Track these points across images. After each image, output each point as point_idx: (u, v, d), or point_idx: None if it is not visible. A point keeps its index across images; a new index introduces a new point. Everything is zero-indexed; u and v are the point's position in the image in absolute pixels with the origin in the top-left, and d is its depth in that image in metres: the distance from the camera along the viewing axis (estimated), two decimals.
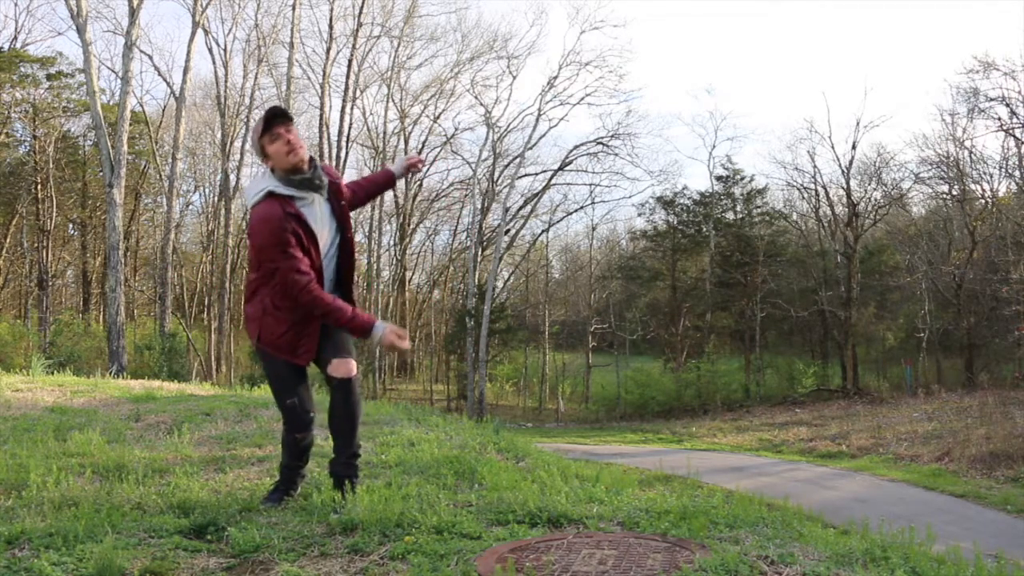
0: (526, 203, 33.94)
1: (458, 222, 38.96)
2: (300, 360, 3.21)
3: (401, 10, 30.91)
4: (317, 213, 3.15)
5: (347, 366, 3.19)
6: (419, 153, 34.59)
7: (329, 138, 28.86)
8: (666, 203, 32.89)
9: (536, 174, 34.05)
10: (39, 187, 28.80)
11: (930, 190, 31.14)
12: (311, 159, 3.16)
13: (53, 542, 2.67)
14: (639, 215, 41.92)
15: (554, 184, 33.77)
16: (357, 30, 28.79)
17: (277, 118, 3.11)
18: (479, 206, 32.45)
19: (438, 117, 34.35)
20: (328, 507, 3.13)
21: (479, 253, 32.65)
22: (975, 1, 53.12)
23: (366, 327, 3.09)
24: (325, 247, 3.19)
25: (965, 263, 26.60)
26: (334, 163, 28.93)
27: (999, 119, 25.52)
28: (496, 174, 32.67)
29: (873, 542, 2.78)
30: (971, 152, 28.14)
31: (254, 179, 3.25)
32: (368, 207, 34.75)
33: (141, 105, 30.55)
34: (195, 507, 3.19)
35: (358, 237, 38.88)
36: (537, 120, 31.32)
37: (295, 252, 3.04)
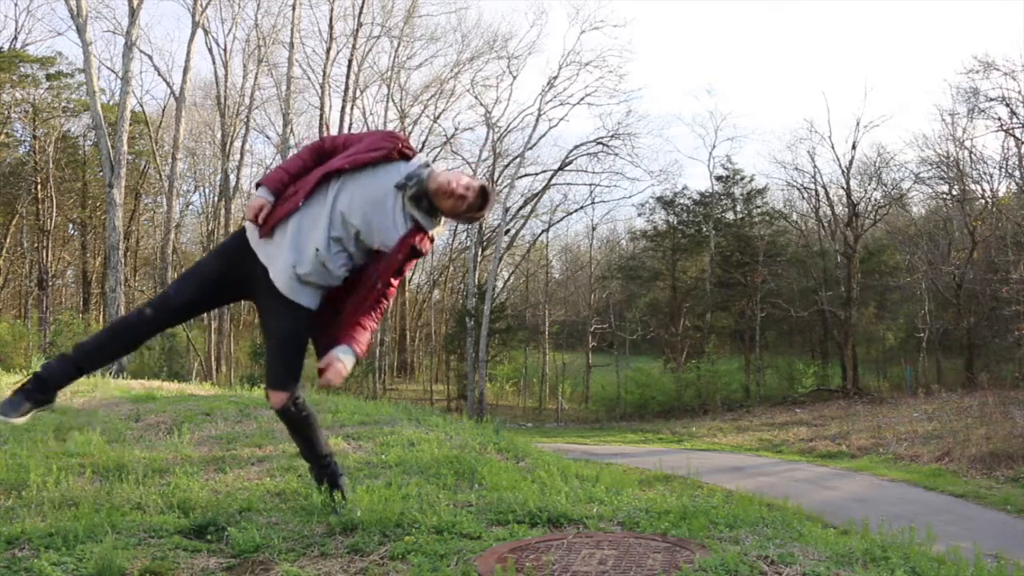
0: (526, 203, 33.96)
1: None
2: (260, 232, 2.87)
3: (401, 10, 30.92)
4: (374, 195, 2.81)
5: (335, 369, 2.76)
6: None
7: None
8: (666, 203, 32.90)
9: (536, 174, 34.08)
10: (39, 187, 28.79)
11: (930, 190, 31.18)
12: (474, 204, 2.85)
13: (53, 542, 2.67)
14: (639, 215, 41.92)
15: (554, 184, 33.80)
16: (357, 30, 28.78)
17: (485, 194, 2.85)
18: None
19: (438, 117, 34.35)
20: (328, 507, 3.13)
21: (479, 253, 32.65)
22: (975, 1, 53.13)
23: (264, 183, 2.88)
24: (344, 201, 2.81)
25: (965, 263, 26.59)
26: None
27: (999, 119, 25.54)
28: (496, 174, 32.65)
29: (873, 542, 2.78)
30: (971, 152, 28.17)
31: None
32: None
33: (141, 105, 30.58)
34: (195, 507, 3.19)
35: None
36: (537, 120, 31.34)
37: (303, 153, 2.91)
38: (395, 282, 2.90)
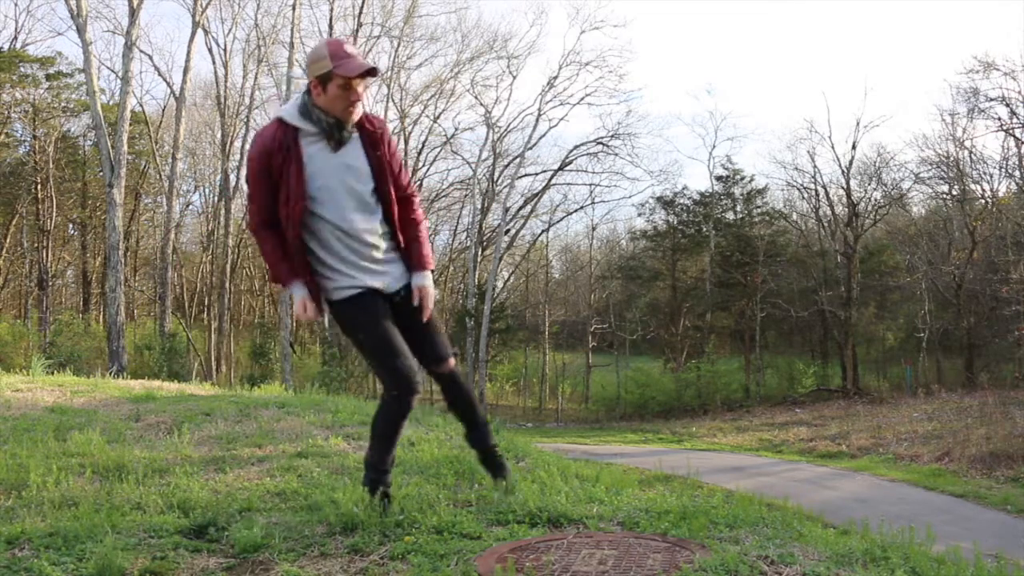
0: (526, 203, 33.96)
1: (458, 222, 38.97)
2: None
3: (401, 10, 30.92)
4: (319, 156, 2.82)
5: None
6: (419, 153, 34.79)
7: None
8: (666, 203, 32.90)
9: (536, 174, 34.08)
10: (39, 187, 28.80)
11: (930, 190, 31.19)
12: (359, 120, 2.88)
13: (53, 542, 2.67)
14: (639, 215, 41.95)
15: (554, 184, 33.80)
16: (357, 30, 28.77)
17: (372, 74, 2.76)
18: (479, 206, 32.45)
19: (438, 117, 34.34)
20: (329, 507, 3.13)
21: (479, 253, 32.65)
22: (975, 1, 53.13)
23: (281, 282, 2.95)
24: (323, 193, 2.84)
25: (965, 263, 26.59)
26: None
27: (999, 119, 25.55)
28: (496, 174, 32.67)
29: (873, 542, 2.77)
30: (971, 152, 28.18)
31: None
32: None
33: (141, 105, 30.57)
34: (195, 507, 3.19)
35: None
36: (537, 120, 31.35)
37: (258, 186, 2.85)
38: (404, 177, 3.03)
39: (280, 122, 2.82)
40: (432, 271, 3.03)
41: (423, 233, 3.09)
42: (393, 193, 2.96)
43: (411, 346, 3.01)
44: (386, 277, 2.98)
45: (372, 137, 2.91)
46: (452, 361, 3.18)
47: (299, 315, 2.92)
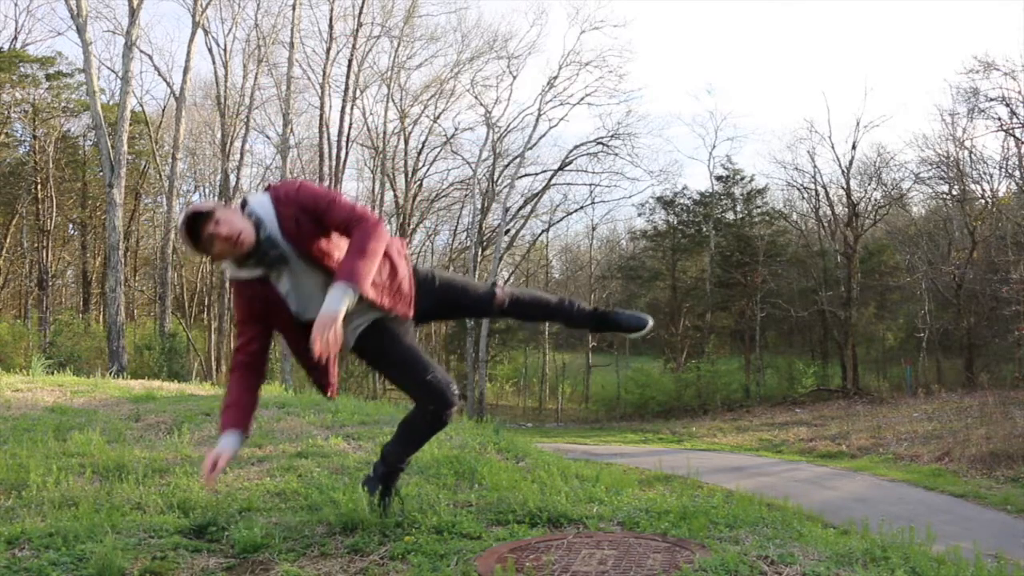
0: (526, 203, 33.93)
1: (458, 222, 38.94)
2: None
3: (401, 10, 30.89)
4: (287, 281, 2.62)
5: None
6: (419, 153, 34.81)
7: (329, 138, 28.87)
8: (666, 203, 32.89)
9: (536, 174, 34.05)
10: (39, 187, 28.78)
11: (930, 190, 31.15)
12: (257, 223, 2.52)
13: (53, 542, 2.67)
14: (639, 215, 41.93)
15: (554, 184, 33.76)
16: (357, 30, 28.78)
17: (200, 218, 2.44)
18: (479, 206, 32.44)
19: (438, 117, 34.33)
20: (329, 507, 3.13)
21: (479, 253, 32.64)
22: (975, 1, 53.13)
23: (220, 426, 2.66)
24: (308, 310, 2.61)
25: (965, 263, 26.59)
26: (334, 163, 28.96)
27: (999, 119, 25.51)
28: (496, 174, 32.65)
29: (873, 542, 2.78)
30: (971, 152, 28.14)
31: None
32: (368, 207, 34.66)
33: (141, 105, 30.54)
34: (195, 507, 3.19)
35: None
36: (537, 120, 31.32)
37: (242, 326, 2.70)
38: (337, 212, 2.60)
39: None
40: (354, 289, 2.46)
41: (357, 243, 2.53)
42: (324, 246, 2.61)
43: (460, 309, 2.93)
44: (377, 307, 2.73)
45: (284, 221, 2.57)
46: (499, 294, 2.99)
47: (206, 471, 2.54)
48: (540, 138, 34.62)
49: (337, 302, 2.44)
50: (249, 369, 2.72)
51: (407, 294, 2.81)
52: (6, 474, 3.71)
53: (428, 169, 36.06)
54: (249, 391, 2.71)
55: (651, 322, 3.22)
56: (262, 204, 2.60)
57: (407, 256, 2.90)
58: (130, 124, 21.65)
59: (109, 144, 18.98)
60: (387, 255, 2.72)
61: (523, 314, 3.19)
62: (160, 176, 29.89)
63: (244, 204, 2.62)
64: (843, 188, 29.74)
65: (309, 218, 2.58)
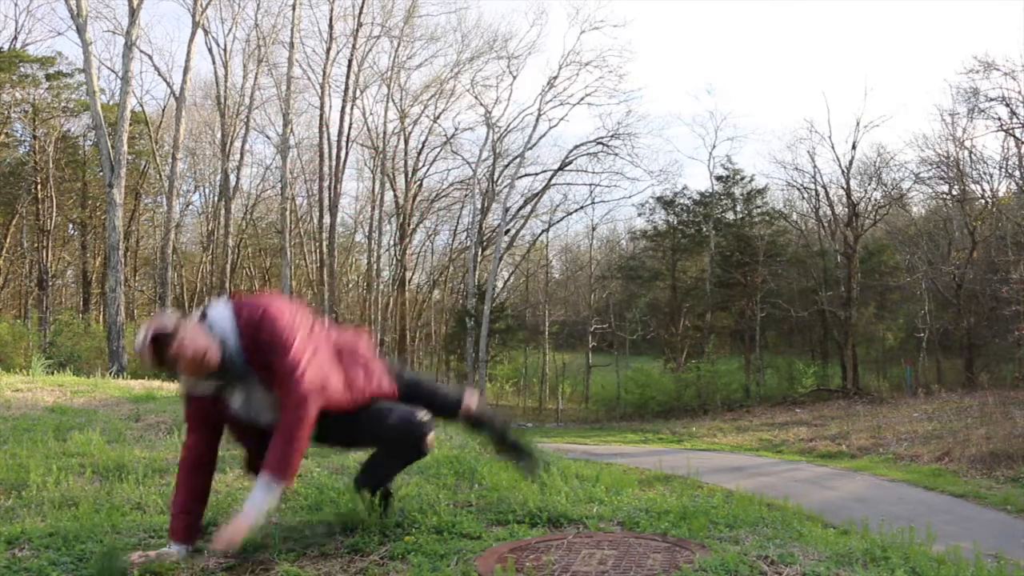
0: (526, 203, 33.94)
1: (458, 222, 38.95)
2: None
3: (401, 10, 30.92)
4: (239, 395, 2.70)
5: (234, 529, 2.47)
6: (419, 153, 34.80)
7: (329, 138, 28.90)
8: (666, 203, 32.89)
9: (536, 174, 34.06)
10: (39, 187, 28.78)
11: (930, 190, 31.13)
12: (221, 341, 2.54)
13: (53, 542, 2.67)
14: (639, 215, 41.98)
15: (554, 184, 33.79)
16: (357, 30, 28.79)
17: (163, 339, 2.47)
18: (479, 206, 32.45)
19: (438, 117, 34.35)
20: (329, 507, 3.13)
21: (479, 253, 32.66)
22: (975, 1, 53.13)
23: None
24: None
25: (965, 263, 26.59)
26: (334, 163, 28.97)
27: (999, 119, 25.51)
28: (496, 174, 32.67)
29: (873, 542, 2.78)
30: (971, 152, 28.13)
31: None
32: (368, 207, 34.71)
33: (141, 105, 30.58)
34: None
35: (358, 237, 38.93)
36: (537, 120, 31.35)
37: (191, 427, 2.84)
38: (283, 361, 2.59)
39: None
40: (280, 485, 2.47)
41: (286, 431, 2.53)
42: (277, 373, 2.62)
43: (420, 401, 2.96)
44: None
45: (245, 340, 2.60)
46: (469, 403, 3.19)
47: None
48: (540, 138, 34.66)
49: (262, 502, 2.48)
50: (198, 469, 2.80)
51: (378, 379, 2.93)
52: (6, 474, 3.71)
53: (428, 169, 36.11)
54: (198, 500, 2.74)
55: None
56: (224, 319, 2.61)
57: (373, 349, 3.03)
58: (130, 124, 21.66)
59: (109, 144, 18.98)
60: (359, 356, 2.88)
61: (478, 428, 3.39)
62: (160, 176, 29.90)
63: (204, 315, 2.62)
64: (843, 188, 29.75)
65: (263, 350, 2.60)
